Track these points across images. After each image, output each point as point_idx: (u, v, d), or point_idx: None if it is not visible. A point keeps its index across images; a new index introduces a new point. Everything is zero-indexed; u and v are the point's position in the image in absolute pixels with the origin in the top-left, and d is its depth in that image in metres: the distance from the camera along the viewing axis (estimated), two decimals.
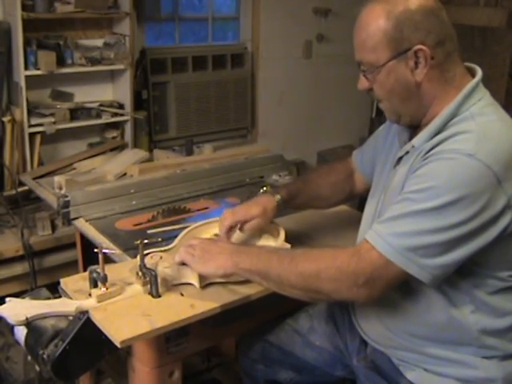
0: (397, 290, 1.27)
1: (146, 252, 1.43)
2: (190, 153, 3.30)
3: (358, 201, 4.73)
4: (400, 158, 1.33)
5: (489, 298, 1.22)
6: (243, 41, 3.96)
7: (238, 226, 1.54)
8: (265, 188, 1.65)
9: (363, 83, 1.28)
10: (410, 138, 1.34)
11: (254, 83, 3.98)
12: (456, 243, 1.12)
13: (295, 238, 1.71)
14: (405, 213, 1.15)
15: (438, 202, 1.11)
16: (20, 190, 2.72)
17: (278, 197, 1.58)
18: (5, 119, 2.81)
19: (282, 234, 1.59)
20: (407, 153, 1.30)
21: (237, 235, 1.58)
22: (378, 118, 4.52)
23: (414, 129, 1.32)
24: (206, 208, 2.11)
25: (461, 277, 1.20)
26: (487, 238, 1.14)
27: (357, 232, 1.69)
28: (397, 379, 1.34)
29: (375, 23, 1.19)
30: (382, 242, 1.15)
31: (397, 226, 1.15)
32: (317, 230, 1.83)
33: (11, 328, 1.38)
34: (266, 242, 1.63)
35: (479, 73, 1.26)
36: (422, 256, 1.13)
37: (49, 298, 1.45)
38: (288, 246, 1.54)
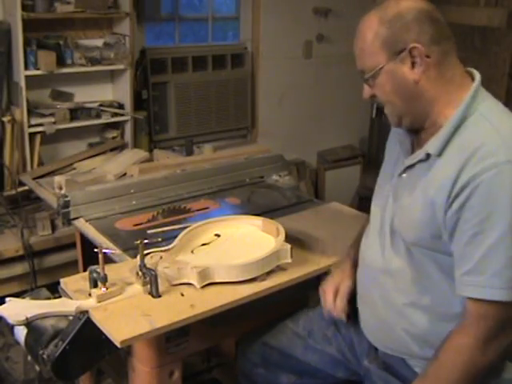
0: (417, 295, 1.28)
1: (146, 252, 1.44)
2: (190, 153, 3.30)
3: (358, 200, 4.73)
4: (409, 166, 1.30)
5: None
6: (243, 41, 3.96)
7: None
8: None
9: (366, 91, 1.31)
10: (412, 145, 1.34)
11: (253, 83, 3.97)
12: None
13: (295, 238, 1.72)
14: (485, 250, 1.14)
15: (506, 223, 1.11)
16: (20, 190, 2.72)
17: (351, 255, 1.54)
18: (5, 119, 2.80)
19: (282, 234, 1.59)
20: (420, 161, 1.27)
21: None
22: (378, 118, 4.52)
23: (415, 134, 1.32)
24: (206, 208, 2.11)
25: None
26: None
27: (355, 231, 1.68)
28: (411, 379, 1.32)
29: (370, 30, 1.24)
30: (491, 290, 1.14)
31: (488, 266, 1.14)
32: (316, 229, 1.83)
33: (11, 328, 1.39)
34: (267, 241, 1.63)
35: (478, 74, 1.27)
36: None
37: (49, 298, 1.45)
38: (288, 246, 1.54)
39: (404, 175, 1.33)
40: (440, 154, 1.22)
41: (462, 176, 1.15)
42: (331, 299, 1.47)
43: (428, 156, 1.25)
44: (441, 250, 1.24)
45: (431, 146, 1.24)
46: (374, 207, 1.44)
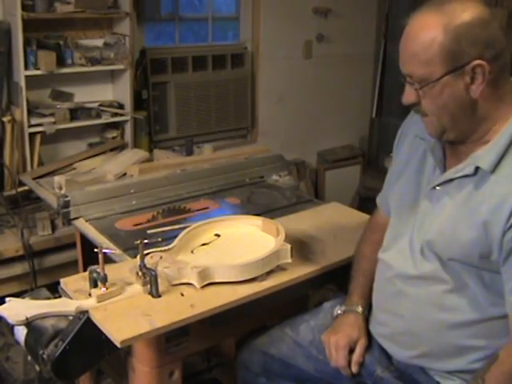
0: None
1: (146, 252, 1.44)
2: (190, 153, 3.30)
3: (358, 200, 4.72)
4: (449, 180, 1.25)
5: None
6: (243, 41, 3.96)
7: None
8: (342, 309, 1.52)
9: (410, 96, 1.21)
10: (444, 155, 1.28)
11: (254, 83, 3.98)
12: None
13: (295, 238, 1.72)
14: None
15: None
16: (20, 190, 2.72)
17: (360, 310, 1.48)
18: (5, 119, 2.81)
19: (282, 234, 1.59)
20: (465, 176, 1.21)
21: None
22: (378, 118, 4.52)
23: (449, 143, 1.26)
24: (206, 208, 2.11)
25: None
26: None
27: (355, 231, 1.68)
28: None
29: (430, 35, 1.13)
30: None
31: None
32: (316, 229, 1.83)
33: (11, 328, 1.39)
34: (267, 241, 1.63)
35: None
36: None
37: (49, 298, 1.45)
38: (288, 245, 1.54)
39: (438, 188, 1.27)
40: (493, 170, 1.16)
41: None
42: (344, 356, 1.41)
43: (476, 171, 1.19)
44: (485, 267, 1.20)
45: (483, 160, 1.18)
46: (398, 220, 1.39)
